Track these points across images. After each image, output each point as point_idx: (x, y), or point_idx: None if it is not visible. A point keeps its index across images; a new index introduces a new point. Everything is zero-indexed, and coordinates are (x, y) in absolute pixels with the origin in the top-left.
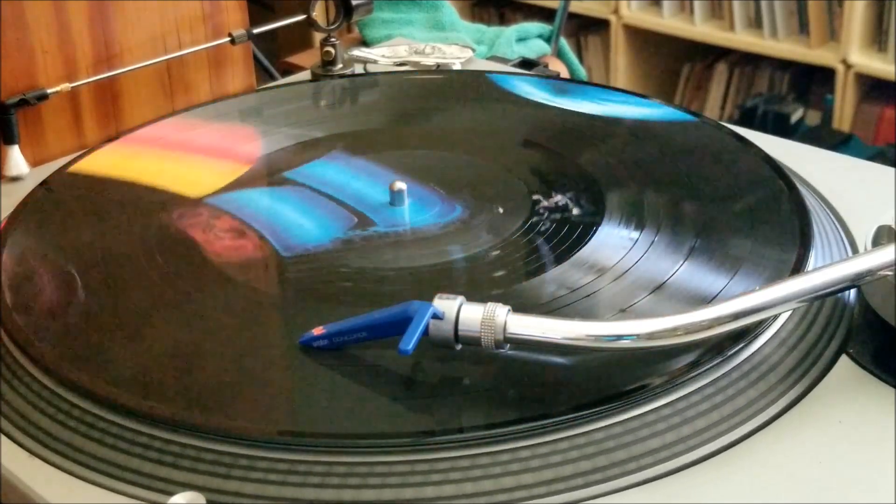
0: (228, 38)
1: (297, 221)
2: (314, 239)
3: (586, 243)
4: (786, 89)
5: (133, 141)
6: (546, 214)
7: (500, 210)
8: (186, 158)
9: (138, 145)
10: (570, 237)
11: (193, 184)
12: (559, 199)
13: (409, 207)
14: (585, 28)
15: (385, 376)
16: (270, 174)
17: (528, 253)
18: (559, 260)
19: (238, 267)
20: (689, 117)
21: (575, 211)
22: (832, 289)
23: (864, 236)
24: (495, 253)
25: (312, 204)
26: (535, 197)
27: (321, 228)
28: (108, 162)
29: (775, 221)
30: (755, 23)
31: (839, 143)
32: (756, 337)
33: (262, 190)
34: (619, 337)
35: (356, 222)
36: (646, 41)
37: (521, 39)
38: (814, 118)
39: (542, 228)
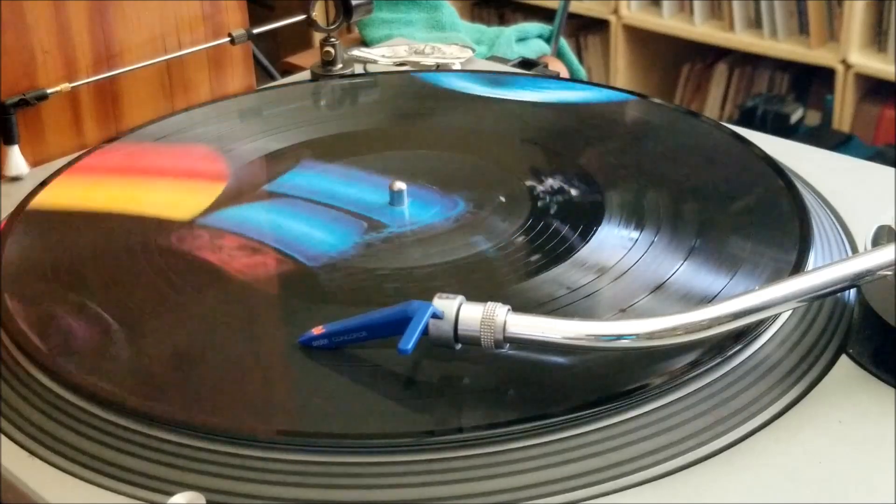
0: (228, 38)
1: (301, 230)
2: (325, 246)
3: (586, 243)
4: (786, 89)
5: (87, 169)
6: (546, 214)
7: (501, 206)
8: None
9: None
10: (570, 237)
11: (191, 198)
12: (559, 198)
13: (409, 207)
14: (585, 28)
15: (385, 376)
16: (269, 176)
17: (529, 252)
18: (559, 260)
19: (255, 277)
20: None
21: (575, 210)
22: (832, 289)
23: (863, 236)
24: (495, 252)
25: (314, 211)
26: (535, 197)
27: (330, 234)
28: (70, 195)
29: (775, 221)
30: (755, 23)
31: (839, 143)
32: (756, 337)
33: (261, 200)
34: (619, 337)
35: (356, 223)
36: (646, 41)
37: (521, 39)
38: (814, 118)
39: (543, 228)
